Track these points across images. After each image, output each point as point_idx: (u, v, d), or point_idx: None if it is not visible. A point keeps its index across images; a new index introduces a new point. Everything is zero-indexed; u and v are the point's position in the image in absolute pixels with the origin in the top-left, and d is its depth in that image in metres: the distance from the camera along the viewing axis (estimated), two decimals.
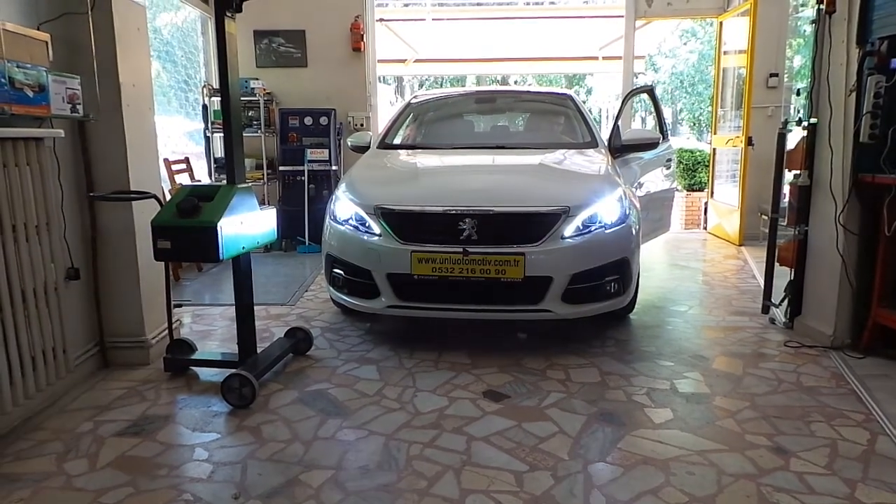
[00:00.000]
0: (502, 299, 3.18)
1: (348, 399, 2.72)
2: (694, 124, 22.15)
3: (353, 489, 2.01)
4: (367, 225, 3.31)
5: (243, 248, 2.77)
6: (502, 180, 3.56)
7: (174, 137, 6.35)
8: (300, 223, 6.24)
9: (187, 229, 2.57)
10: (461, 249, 3.07)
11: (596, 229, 3.20)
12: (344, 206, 3.47)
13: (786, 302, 3.64)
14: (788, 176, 3.74)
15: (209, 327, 3.80)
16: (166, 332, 3.18)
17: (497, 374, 2.98)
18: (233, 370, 2.70)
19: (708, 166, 9.08)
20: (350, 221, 3.39)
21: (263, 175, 6.29)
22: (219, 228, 2.54)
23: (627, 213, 3.36)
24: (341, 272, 3.42)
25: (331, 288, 3.57)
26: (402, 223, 3.23)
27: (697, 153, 9.38)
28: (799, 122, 3.47)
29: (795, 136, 3.60)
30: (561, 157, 3.91)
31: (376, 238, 3.25)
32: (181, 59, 6.38)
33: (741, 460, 2.16)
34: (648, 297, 4.29)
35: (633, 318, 3.85)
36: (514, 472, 2.11)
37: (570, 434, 2.37)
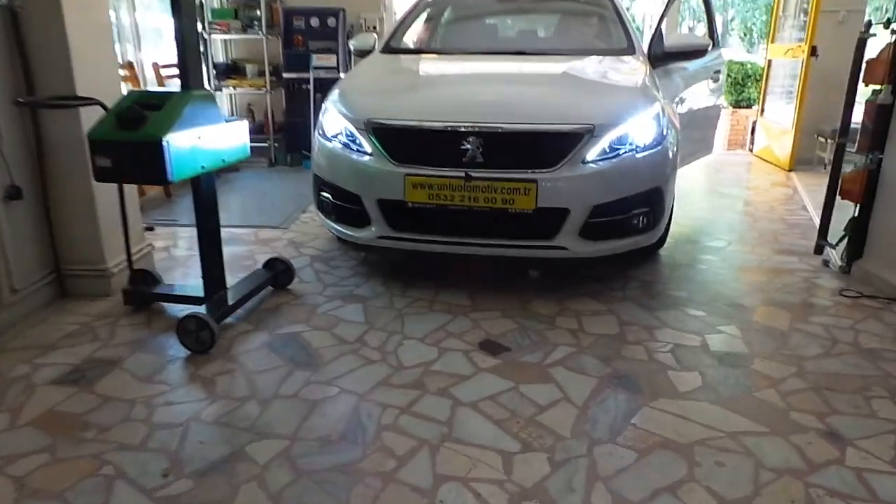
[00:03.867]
0: (510, 233, 2.74)
1: (324, 346, 2.36)
2: (745, 34, 20.50)
3: (306, 468, 1.67)
4: (357, 142, 2.84)
5: (203, 167, 2.35)
6: (517, 92, 3.01)
7: (169, 38, 5.82)
8: (306, 136, 5.75)
9: (128, 144, 2.15)
10: (463, 174, 2.61)
11: (625, 153, 2.69)
12: (333, 120, 3.00)
13: (844, 242, 3.12)
14: (865, 92, 3.11)
15: (191, 252, 3.46)
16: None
17: (499, 319, 2.59)
18: (192, 310, 2.35)
19: (759, 81, 8.23)
20: (339, 137, 2.93)
21: (266, 82, 5.77)
22: (165, 144, 2.12)
23: (665, 133, 2.83)
24: (329, 196, 3.00)
25: (319, 213, 3.16)
26: (396, 141, 2.76)
27: (748, 66, 8.49)
28: (887, 24, 2.82)
29: (879, 43, 2.95)
30: (590, 64, 3.33)
31: (367, 158, 2.79)
32: None
33: (785, 448, 1.76)
34: (681, 230, 3.79)
35: (663, 254, 3.38)
36: (503, 452, 1.74)
37: (575, 402, 1.99)
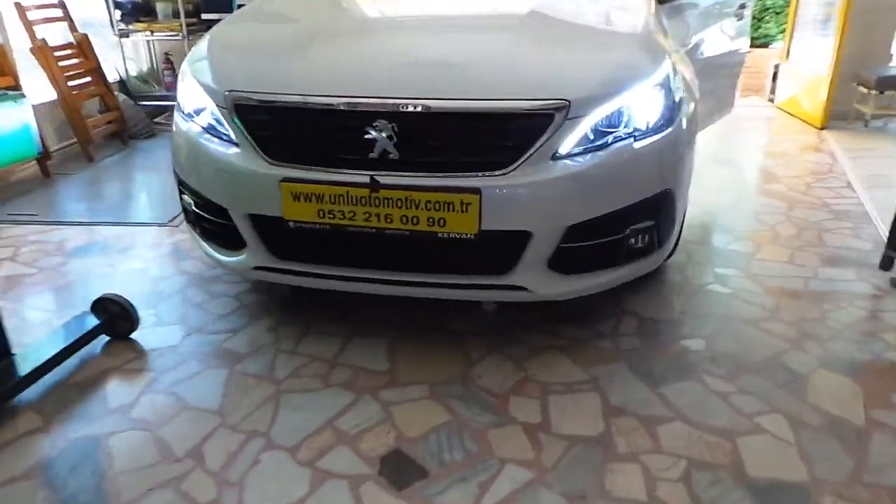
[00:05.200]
0: (442, 266, 1.83)
1: (131, 468, 1.49)
2: None
3: None
4: (224, 127, 1.90)
5: None
6: (453, 48, 1.99)
7: None
8: None
9: None
10: (368, 179, 1.69)
11: (619, 141, 1.77)
12: (190, 90, 2.03)
13: None
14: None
15: (38, 268, 2.55)
16: None
17: (423, 402, 1.71)
18: None
19: (780, 14, 7.13)
20: (200, 118, 1.98)
21: (182, 26, 4.68)
22: None
23: (678, 105, 1.90)
24: (191, 203, 2.08)
25: (186, 223, 2.24)
26: (270, 127, 1.83)
27: None
28: None
29: None
30: (567, 2, 2.34)
31: (233, 151, 1.86)
32: None
33: None
34: (691, 223, 2.88)
35: (670, 266, 2.47)
36: None
37: None
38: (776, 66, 5.67)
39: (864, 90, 4.57)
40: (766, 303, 2.21)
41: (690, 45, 2.88)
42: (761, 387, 1.76)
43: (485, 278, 1.80)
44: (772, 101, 5.67)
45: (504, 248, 1.76)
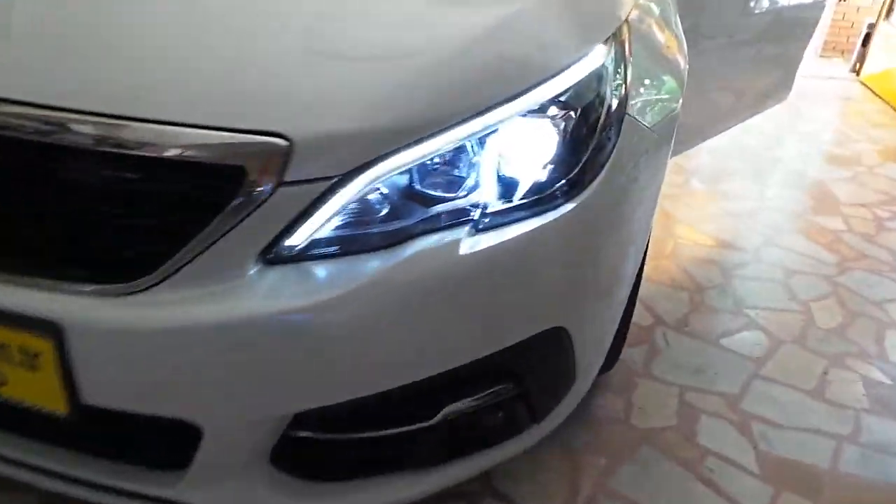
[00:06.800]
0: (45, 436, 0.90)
1: None
2: None
3: None
4: None
5: None
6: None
7: None
8: None
9: None
10: None
11: (441, 229, 0.77)
12: None
13: None
14: None
15: None
16: None
17: None
18: None
19: None
20: None
21: None
22: None
23: (608, 132, 0.88)
24: None
25: None
26: None
27: None
28: None
29: None
30: None
31: None
32: None
33: None
34: (681, 274, 1.85)
35: (611, 376, 1.48)
36: None
37: None
38: (870, 25, 4.29)
39: None
40: (751, 501, 1.22)
41: None
42: None
43: (122, 478, 0.86)
44: (857, 72, 4.33)
45: (146, 440, 0.82)
